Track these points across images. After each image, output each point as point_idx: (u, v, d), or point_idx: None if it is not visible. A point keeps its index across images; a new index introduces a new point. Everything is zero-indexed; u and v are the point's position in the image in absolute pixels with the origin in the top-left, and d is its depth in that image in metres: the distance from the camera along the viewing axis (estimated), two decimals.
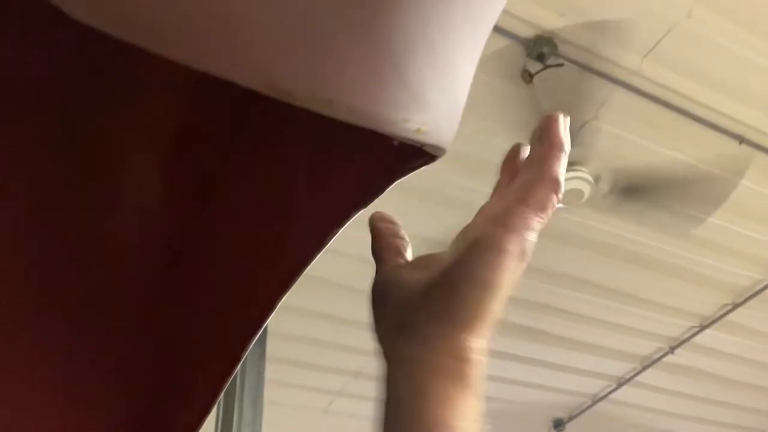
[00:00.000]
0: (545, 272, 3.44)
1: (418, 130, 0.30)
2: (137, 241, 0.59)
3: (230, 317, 0.52)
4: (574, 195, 2.12)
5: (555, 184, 0.42)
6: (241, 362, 1.60)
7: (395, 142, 0.30)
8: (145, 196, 0.56)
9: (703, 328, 3.91)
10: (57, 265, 0.59)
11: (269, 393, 2.22)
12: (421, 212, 3.00)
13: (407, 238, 0.50)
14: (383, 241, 0.51)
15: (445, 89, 0.33)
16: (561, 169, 0.42)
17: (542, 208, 0.41)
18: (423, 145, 0.31)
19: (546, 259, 3.35)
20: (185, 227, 0.53)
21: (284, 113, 0.41)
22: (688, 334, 3.98)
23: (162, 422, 0.64)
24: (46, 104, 0.51)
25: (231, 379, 0.55)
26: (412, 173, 0.36)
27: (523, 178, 0.43)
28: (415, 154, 0.32)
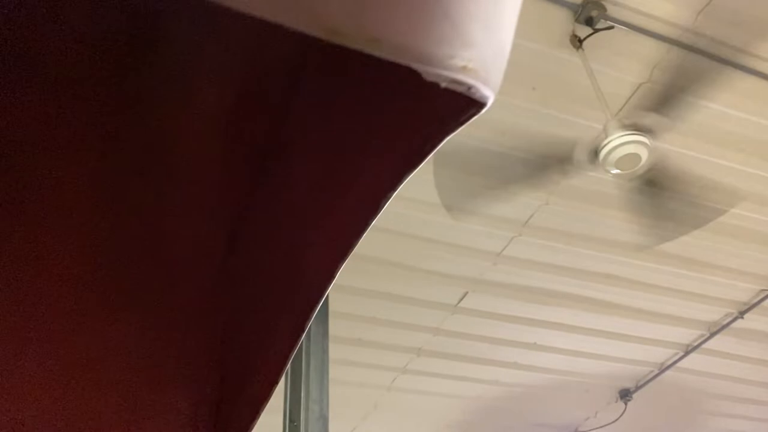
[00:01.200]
0: (605, 241, 3.39)
1: (464, 68, 0.30)
2: (199, 224, 0.61)
3: (292, 290, 0.53)
4: (631, 160, 2.07)
5: None
6: (306, 342, 1.64)
7: (443, 84, 0.30)
8: (204, 180, 0.58)
9: None
10: (124, 254, 0.61)
11: (334, 371, 2.26)
12: (473, 186, 2.98)
13: None
14: None
15: (489, 25, 0.32)
16: None
17: None
18: (470, 87, 0.31)
19: (605, 228, 3.30)
20: (245, 204, 0.55)
21: (334, 81, 0.41)
22: (758, 298, 3.86)
23: (234, 395, 0.67)
24: (104, 95, 0.53)
25: (295, 352, 0.57)
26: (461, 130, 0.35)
27: None
28: (463, 104, 0.32)
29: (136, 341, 0.64)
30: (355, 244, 0.45)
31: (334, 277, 0.49)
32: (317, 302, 0.51)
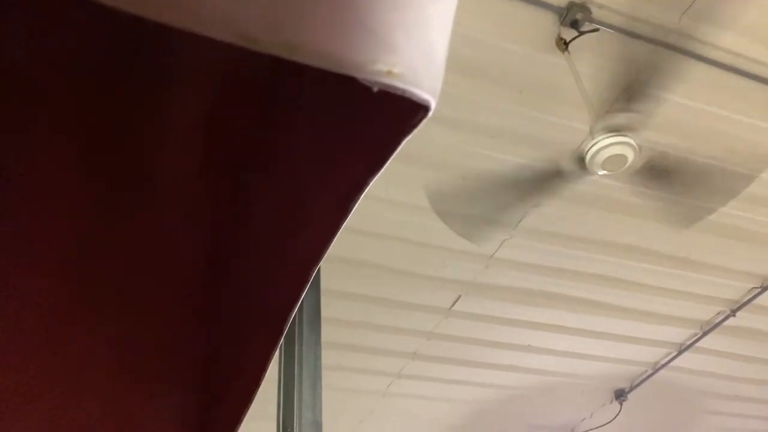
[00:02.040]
0: (597, 242, 3.41)
1: (389, 72, 0.31)
2: (180, 233, 0.62)
3: (268, 295, 0.54)
4: (617, 161, 2.09)
5: None
6: (298, 348, 1.65)
7: (375, 89, 0.30)
8: (184, 186, 0.59)
9: (765, 288, 3.81)
10: (108, 260, 0.62)
11: (328, 378, 2.26)
12: (464, 190, 3.00)
13: None
14: None
15: (411, 31, 0.33)
16: None
17: None
18: (404, 92, 0.32)
19: (596, 229, 3.31)
20: (223, 212, 0.56)
21: (287, 93, 0.42)
22: (749, 296, 3.88)
23: (217, 400, 0.67)
24: (83, 108, 0.54)
25: (273, 356, 0.58)
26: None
27: None
28: (404, 107, 0.33)
29: (121, 350, 0.65)
30: (327, 249, 0.46)
31: (308, 281, 0.49)
32: (293, 305, 0.51)
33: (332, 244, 0.47)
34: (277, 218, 0.51)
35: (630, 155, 2.09)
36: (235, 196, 0.54)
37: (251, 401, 0.64)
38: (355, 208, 0.45)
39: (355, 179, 0.40)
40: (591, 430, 4.78)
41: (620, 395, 4.56)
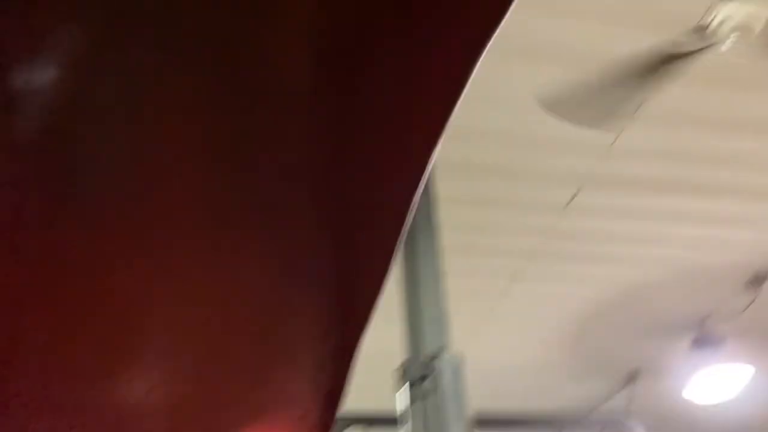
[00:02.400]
0: (727, 121, 3.18)
1: None
2: (300, 124, 0.62)
3: (390, 185, 0.54)
4: (748, 27, 1.89)
5: None
6: (417, 251, 1.67)
7: None
8: (299, 83, 0.59)
9: None
10: (230, 198, 0.65)
11: (446, 280, 2.30)
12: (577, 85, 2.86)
13: None
14: None
15: None
16: None
17: None
18: None
19: (725, 107, 3.08)
20: (339, 102, 0.56)
21: None
22: None
23: (345, 297, 0.69)
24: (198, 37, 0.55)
25: (398, 248, 0.58)
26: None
27: None
28: None
29: (261, 287, 0.68)
30: (442, 132, 0.44)
31: (426, 169, 0.48)
32: (414, 194, 0.51)
33: (441, 144, 0.46)
34: (392, 101, 0.50)
35: (763, 16, 1.89)
36: (350, 84, 0.54)
37: (378, 299, 0.65)
38: (462, 102, 0.43)
39: (471, 41, 0.38)
40: (723, 319, 4.62)
41: (756, 281, 4.35)
